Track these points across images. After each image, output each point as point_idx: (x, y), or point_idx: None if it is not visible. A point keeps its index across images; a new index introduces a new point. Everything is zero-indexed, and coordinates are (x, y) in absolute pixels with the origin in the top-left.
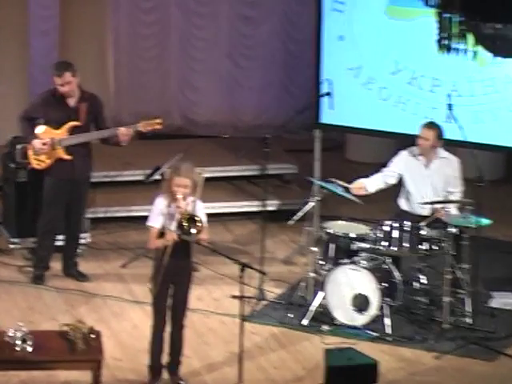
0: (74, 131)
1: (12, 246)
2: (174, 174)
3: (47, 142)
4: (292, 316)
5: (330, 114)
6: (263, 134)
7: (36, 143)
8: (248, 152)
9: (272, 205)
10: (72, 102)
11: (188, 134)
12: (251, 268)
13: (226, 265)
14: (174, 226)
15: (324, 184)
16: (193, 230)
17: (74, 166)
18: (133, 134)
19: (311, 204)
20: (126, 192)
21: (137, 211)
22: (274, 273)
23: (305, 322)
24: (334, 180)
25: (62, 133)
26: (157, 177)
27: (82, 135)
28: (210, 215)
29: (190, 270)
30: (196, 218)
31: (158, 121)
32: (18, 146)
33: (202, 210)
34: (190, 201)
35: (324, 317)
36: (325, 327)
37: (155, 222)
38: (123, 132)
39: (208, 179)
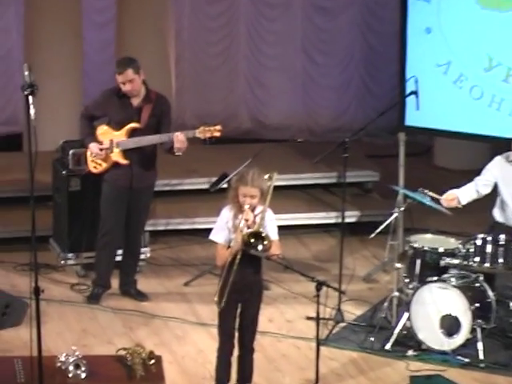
0: (133, 134)
1: (63, 262)
2: (240, 182)
3: (104, 147)
4: (373, 340)
5: (415, 116)
6: (341, 138)
7: (93, 147)
8: (324, 158)
9: (351, 216)
10: (136, 101)
11: (258, 138)
12: (328, 286)
13: (300, 283)
14: (238, 239)
15: (409, 193)
16: (259, 247)
17: (133, 173)
18: (188, 142)
19: (395, 215)
20: (190, 202)
21: (201, 223)
22: (353, 292)
23: (388, 346)
24: (423, 191)
25: (120, 134)
26: (224, 185)
27: (139, 139)
28: (282, 228)
29: (259, 288)
30: (262, 235)
31: (217, 127)
32: (71, 152)
33: (272, 221)
34: (259, 211)
35: (409, 340)
36: (410, 352)
37: (218, 236)
38: (179, 138)
39: (280, 188)
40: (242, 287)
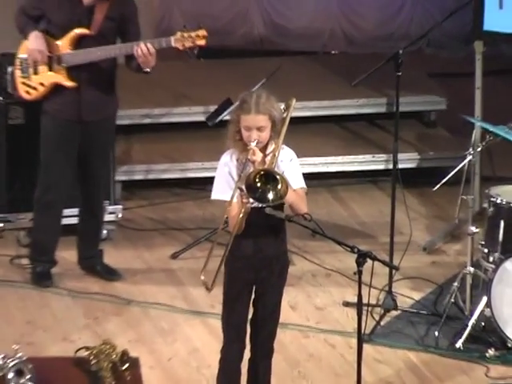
0: (81, 43)
1: (0, 226)
2: (241, 110)
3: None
4: (439, 334)
5: (498, 17)
6: (392, 50)
7: (34, 52)
8: (369, 78)
9: (407, 160)
10: None
11: (275, 50)
12: (375, 259)
13: (334, 254)
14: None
15: (490, 127)
16: (270, 196)
17: (82, 99)
18: (171, 55)
19: (469, 159)
20: (179, 141)
21: (195, 171)
22: (410, 267)
23: (459, 343)
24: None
25: (63, 45)
26: (227, 116)
27: (89, 50)
28: (309, 177)
29: (283, 264)
30: (275, 176)
31: (201, 33)
32: (10, 69)
33: (292, 163)
34: (270, 151)
35: (489, 335)
36: (490, 352)
37: (223, 192)
38: (142, 49)
39: (306, 120)
40: (258, 262)
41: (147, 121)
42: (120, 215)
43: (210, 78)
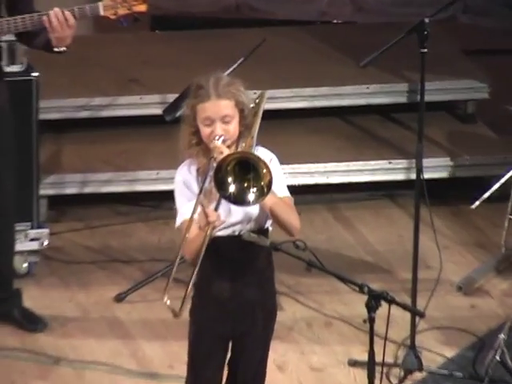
0: None
1: None
2: (196, 99)
3: None
4: None
5: None
6: (415, 18)
7: None
8: (382, 56)
9: (435, 167)
10: None
11: (255, 18)
12: (392, 302)
13: (337, 295)
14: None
15: None
16: (250, 194)
17: None
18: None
19: None
20: (127, 142)
21: (148, 182)
22: (439, 313)
23: None
24: None
25: None
26: None
27: None
28: (302, 189)
29: (269, 311)
30: (257, 162)
31: None
32: None
33: (273, 167)
34: (242, 147)
35: None
36: None
37: (184, 210)
38: (59, 18)
39: (298, 113)
40: (236, 310)
41: (83, 114)
42: (46, 242)
43: (168, 56)
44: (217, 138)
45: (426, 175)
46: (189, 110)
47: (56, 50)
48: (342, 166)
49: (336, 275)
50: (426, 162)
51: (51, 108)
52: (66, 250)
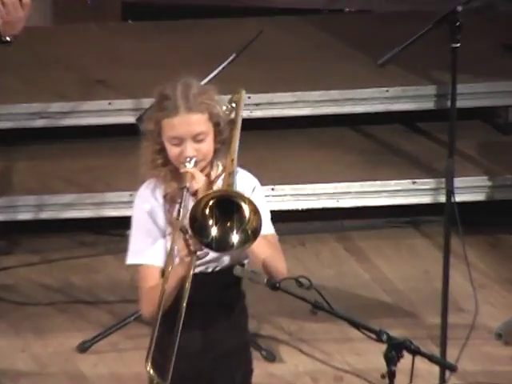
0: None
1: None
2: (162, 112)
3: None
4: None
5: None
6: (445, 5)
7: None
8: (405, 53)
9: (469, 189)
10: None
11: (251, 6)
12: (416, 353)
13: (349, 344)
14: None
15: None
16: (234, 237)
17: None
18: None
19: None
20: (93, 157)
21: (119, 206)
22: (475, 366)
23: None
24: None
25: None
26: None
27: None
28: (306, 214)
29: (246, 363)
30: (240, 200)
31: None
32: None
33: (257, 197)
34: (219, 172)
35: None
36: None
37: (144, 251)
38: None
39: (300, 122)
40: (210, 365)
41: (40, 123)
42: None
43: (143, 52)
44: (187, 159)
45: (458, 198)
46: (152, 125)
47: (3, 39)
48: (355, 186)
49: (347, 319)
50: (457, 181)
51: (0, 115)
52: (18, 288)
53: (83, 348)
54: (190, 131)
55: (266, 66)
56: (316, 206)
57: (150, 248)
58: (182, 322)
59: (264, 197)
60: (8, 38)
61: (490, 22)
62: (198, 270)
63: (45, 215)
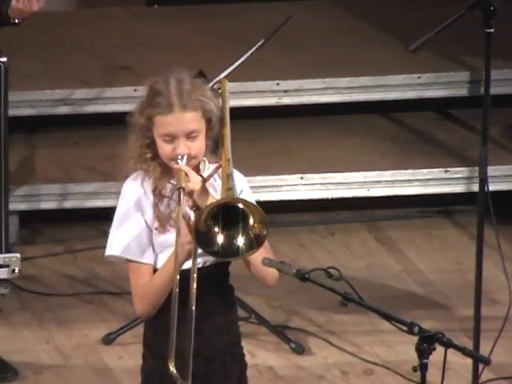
0: None
1: None
2: (154, 108)
3: None
4: None
5: None
6: None
7: None
8: (438, 38)
9: (504, 177)
10: None
11: None
12: (449, 345)
13: (379, 336)
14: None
15: None
16: (240, 242)
17: None
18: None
19: None
20: (118, 145)
21: None
22: (508, 356)
23: None
24: None
25: None
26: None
27: None
28: (334, 204)
29: (239, 357)
30: (245, 206)
31: None
32: None
33: (248, 192)
34: (211, 170)
35: None
36: None
37: (129, 246)
38: None
39: (329, 109)
40: (204, 364)
41: (63, 110)
42: (17, 270)
43: (168, 37)
44: (179, 157)
45: (492, 187)
46: (143, 120)
47: (14, 21)
48: (387, 175)
49: (378, 311)
50: (491, 170)
51: (23, 102)
52: (41, 279)
53: (108, 340)
54: (184, 129)
55: (294, 51)
56: (346, 195)
57: (137, 243)
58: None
59: (250, 192)
60: (16, 21)
61: None
62: (186, 266)
63: (68, 204)
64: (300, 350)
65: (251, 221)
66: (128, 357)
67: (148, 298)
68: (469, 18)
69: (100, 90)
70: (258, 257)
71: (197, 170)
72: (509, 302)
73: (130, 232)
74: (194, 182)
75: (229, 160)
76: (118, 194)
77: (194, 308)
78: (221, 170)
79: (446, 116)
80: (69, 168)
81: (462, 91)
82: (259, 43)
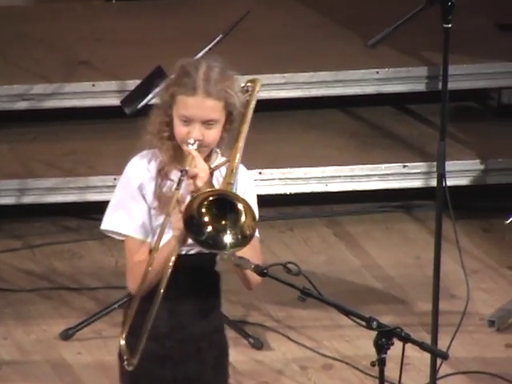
0: None
1: None
2: (180, 87)
3: None
4: None
5: None
6: None
7: None
8: (396, 33)
9: (461, 172)
10: None
11: None
12: (407, 340)
13: (338, 331)
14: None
15: None
16: (228, 238)
17: None
18: None
19: None
20: (76, 140)
21: (102, 190)
22: (467, 354)
23: None
24: None
25: None
26: (156, 99)
27: None
28: (294, 199)
29: (220, 347)
30: (238, 203)
31: None
32: None
33: (251, 193)
34: (219, 163)
35: None
36: None
37: (124, 222)
38: None
39: (289, 104)
40: (177, 347)
41: (21, 105)
42: None
43: (127, 32)
44: (191, 141)
45: (450, 182)
46: (167, 96)
47: None
48: (345, 170)
49: (337, 306)
50: (449, 165)
51: None
52: None
53: (67, 335)
54: (203, 115)
55: (253, 46)
56: (305, 190)
57: (135, 219)
58: (158, 301)
59: (255, 196)
60: None
61: (483, 1)
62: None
63: (27, 199)
64: (259, 345)
65: (242, 218)
66: (87, 352)
67: (140, 277)
68: (427, 13)
69: (59, 85)
70: (243, 254)
71: (207, 159)
72: (467, 297)
73: (131, 210)
74: (200, 170)
75: (238, 156)
76: (77, 189)
77: (162, 291)
78: (228, 165)
79: (404, 111)
80: (28, 163)
81: (421, 86)
82: (217, 38)
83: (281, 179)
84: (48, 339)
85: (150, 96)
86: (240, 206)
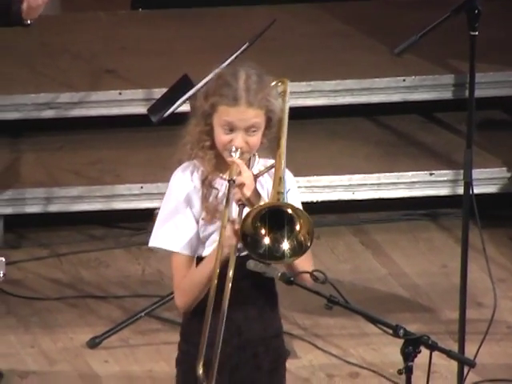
0: None
1: None
2: (221, 97)
3: None
4: None
5: None
6: None
7: None
8: (423, 41)
9: (489, 180)
10: None
11: None
12: (434, 348)
13: (365, 339)
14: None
15: None
16: (285, 246)
17: None
18: None
19: None
20: (103, 149)
21: (130, 199)
22: (494, 362)
23: None
24: None
25: None
26: (183, 107)
27: None
28: (320, 207)
29: (276, 354)
30: (293, 213)
31: None
32: None
33: (295, 196)
34: (263, 169)
35: None
36: None
37: (170, 238)
38: None
39: (314, 112)
40: (234, 352)
41: (48, 114)
42: (1, 274)
43: (153, 41)
44: (234, 149)
45: (477, 190)
46: (207, 105)
47: (25, 22)
48: (372, 178)
49: (363, 314)
50: (476, 173)
51: (8, 106)
52: (26, 283)
53: (93, 344)
54: (245, 124)
55: (279, 55)
56: (331, 199)
57: (182, 235)
58: (212, 308)
59: (298, 191)
60: (29, 22)
61: (509, 9)
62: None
63: (53, 208)
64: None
65: (297, 226)
66: (113, 361)
67: (188, 292)
68: (454, 21)
69: (85, 94)
70: (299, 263)
71: (247, 164)
72: (494, 305)
73: (178, 226)
74: (246, 178)
75: (282, 163)
76: (103, 197)
77: (227, 301)
78: (272, 170)
79: (430, 119)
80: (54, 172)
81: (447, 94)
82: (243, 47)
83: (307, 187)
84: (75, 347)
85: (177, 104)
86: (293, 214)
